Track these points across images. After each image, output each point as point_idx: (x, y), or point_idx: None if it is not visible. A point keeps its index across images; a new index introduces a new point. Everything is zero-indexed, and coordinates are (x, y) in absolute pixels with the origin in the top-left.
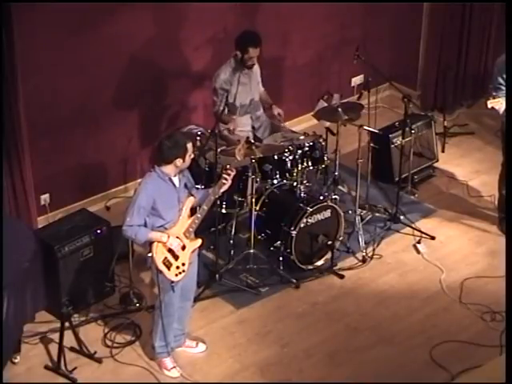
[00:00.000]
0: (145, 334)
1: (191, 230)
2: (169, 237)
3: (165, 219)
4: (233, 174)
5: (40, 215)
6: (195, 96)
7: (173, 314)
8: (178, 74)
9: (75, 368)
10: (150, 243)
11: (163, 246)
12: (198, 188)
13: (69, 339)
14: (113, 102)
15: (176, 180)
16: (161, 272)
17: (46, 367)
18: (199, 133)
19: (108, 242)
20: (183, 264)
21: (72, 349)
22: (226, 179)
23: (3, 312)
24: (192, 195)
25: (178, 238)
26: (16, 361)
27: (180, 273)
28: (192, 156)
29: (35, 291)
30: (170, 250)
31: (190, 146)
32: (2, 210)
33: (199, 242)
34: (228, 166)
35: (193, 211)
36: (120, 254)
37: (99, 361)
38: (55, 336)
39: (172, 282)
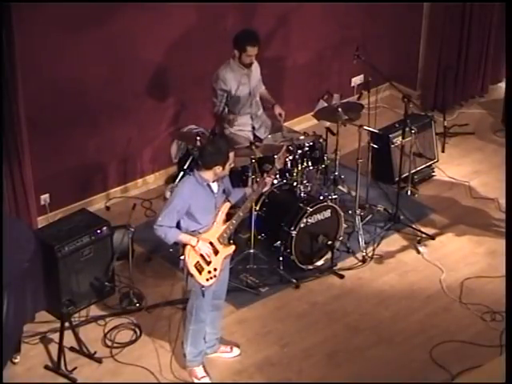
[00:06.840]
0: (145, 333)
1: (225, 235)
2: (198, 241)
3: (200, 224)
4: (271, 180)
5: (40, 215)
6: (195, 96)
7: (204, 319)
8: (178, 73)
9: (75, 368)
10: (184, 246)
11: (195, 249)
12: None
13: (69, 339)
14: (113, 102)
15: (214, 186)
16: (192, 276)
17: (46, 367)
18: (199, 133)
19: (108, 242)
20: (215, 269)
21: (72, 349)
22: (265, 184)
23: (3, 312)
24: (229, 201)
25: (210, 243)
26: (16, 361)
27: (211, 278)
28: (232, 165)
29: (35, 291)
30: (202, 255)
31: (232, 154)
32: (2, 209)
33: (233, 247)
34: (265, 175)
35: (228, 216)
36: (120, 254)
37: (99, 361)
38: (55, 336)
39: (202, 286)
